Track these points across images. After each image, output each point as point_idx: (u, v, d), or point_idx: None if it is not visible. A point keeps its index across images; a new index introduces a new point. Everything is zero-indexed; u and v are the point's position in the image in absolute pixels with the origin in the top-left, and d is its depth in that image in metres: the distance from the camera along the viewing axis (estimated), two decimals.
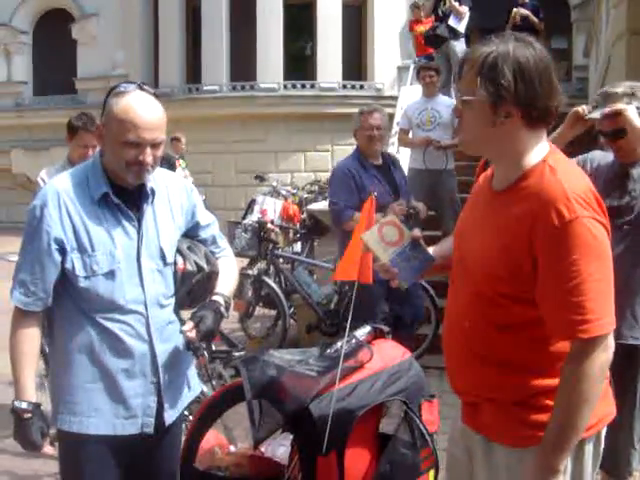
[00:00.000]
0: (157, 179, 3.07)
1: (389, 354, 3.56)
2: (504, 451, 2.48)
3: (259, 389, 3.31)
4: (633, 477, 4.31)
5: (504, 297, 2.38)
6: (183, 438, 3.59)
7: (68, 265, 2.89)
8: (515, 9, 12.98)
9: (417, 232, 2.80)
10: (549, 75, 2.37)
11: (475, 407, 2.56)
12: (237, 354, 5.23)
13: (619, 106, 3.76)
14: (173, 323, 3.08)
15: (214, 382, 5.22)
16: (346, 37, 18.84)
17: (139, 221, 2.99)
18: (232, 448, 4.17)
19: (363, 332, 3.62)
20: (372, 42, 18.99)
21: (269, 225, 8.66)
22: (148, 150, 2.86)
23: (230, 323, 8.41)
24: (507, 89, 2.32)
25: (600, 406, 2.44)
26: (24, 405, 2.88)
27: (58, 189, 2.92)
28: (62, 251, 2.88)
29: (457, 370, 2.62)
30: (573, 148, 4.05)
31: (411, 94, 12.46)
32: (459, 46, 12.10)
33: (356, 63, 19.32)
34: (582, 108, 3.85)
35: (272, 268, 8.76)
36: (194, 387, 3.31)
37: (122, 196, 2.96)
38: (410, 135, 9.47)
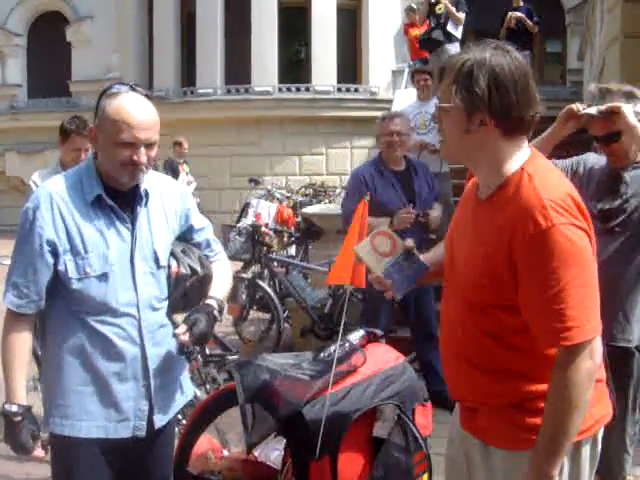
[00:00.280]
0: (151, 182, 3.07)
1: (382, 358, 3.57)
2: (501, 454, 2.47)
3: (252, 393, 3.32)
4: None
5: (490, 305, 2.39)
6: (176, 442, 3.59)
7: (61, 267, 2.88)
8: (510, 13, 12.99)
9: (410, 242, 2.79)
10: (525, 84, 2.35)
11: (472, 411, 2.56)
12: (231, 358, 5.22)
13: (616, 104, 3.76)
14: (166, 326, 3.06)
15: (208, 386, 5.21)
16: (341, 40, 18.84)
17: (133, 223, 2.98)
18: (225, 452, 4.17)
19: (356, 336, 3.63)
20: (367, 45, 19.00)
21: (263, 228, 8.65)
22: (142, 150, 2.86)
23: (224, 327, 8.40)
24: (481, 98, 2.30)
25: (596, 408, 2.46)
26: (14, 408, 2.87)
27: (51, 191, 2.92)
28: (55, 253, 2.87)
29: (453, 376, 2.62)
30: (568, 151, 4.07)
31: (406, 97, 12.47)
32: (454, 50, 12.09)
33: (351, 66, 19.33)
34: (576, 106, 3.84)
35: (266, 272, 8.75)
36: (187, 391, 3.28)
37: (116, 198, 2.95)
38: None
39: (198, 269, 3.14)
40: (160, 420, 3.07)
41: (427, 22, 12.32)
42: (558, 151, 3.86)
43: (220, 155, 17.96)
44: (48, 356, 3.03)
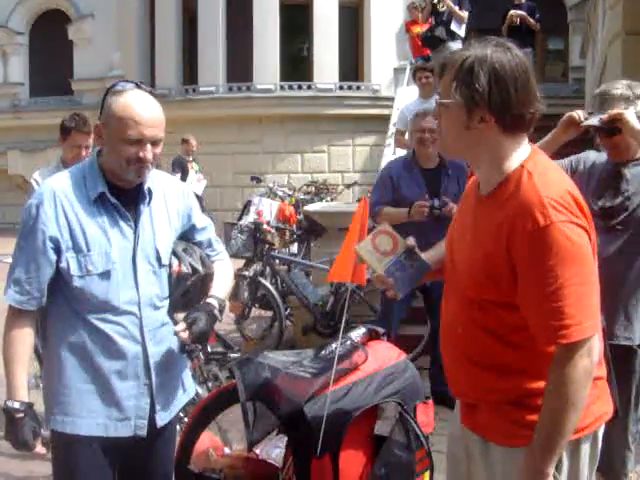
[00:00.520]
0: (154, 180, 3.07)
1: (384, 355, 3.56)
2: (500, 451, 2.47)
3: (253, 391, 3.31)
4: (628, 479, 4.30)
5: (490, 303, 2.39)
6: (178, 440, 3.59)
7: (63, 264, 2.87)
8: (512, 11, 12.98)
9: (412, 241, 2.77)
10: (526, 82, 2.34)
11: (472, 408, 2.56)
12: (233, 356, 5.22)
13: (617, 111, 3.75)
14: (167, 325, 3.06)
15: (210, 384, 5.21)
16: (342, 38, 18.83)
17: (135, 222, 2.97)
18: (227, 450, 4.17)
19: (358, 333, 3.62)
20: (369, 43, 18.98)
21: (265, 226, 8.65)
22: (148, 147, 2.86)
23: (226, 324, 8.40)
24: (481, 94, 2.31)
25: (597, 405, 2.45)
26: (16, 405, 2.86)
27: (54, 188, 2.92)
28: (57, 250, 2.87)
29: (453, 372, 2.62)
30: (568, 149, 4.06)
31: (407, 95, 12.47)
32: (456, 48, 12.10)
33: (353, 64, 19.31)
34: (577, 114, 3.83)
35: (268, 269, 8.74)
36: (189, 389, 3.28)
37: (119, 196, 2.95)
38: (406, 136, 9.46)
39: (199, 268, 3.14)
40: (162, 419, 3.06)
41: (430, 20, 12.32)
42: (559, 149, 3.87)
43: (222, 153, 17.95)
44: (49, 354, 3.03)
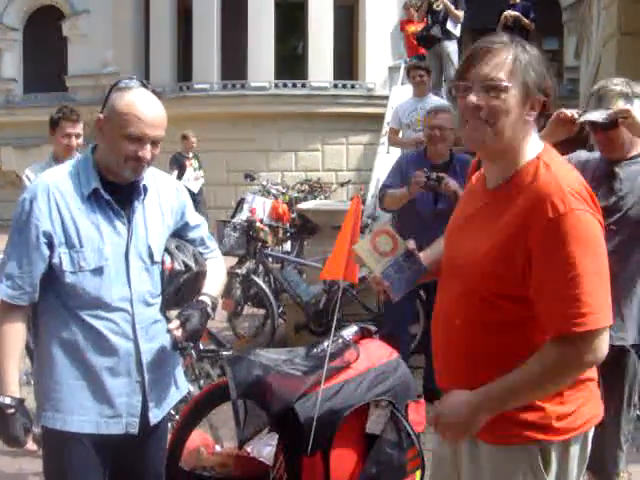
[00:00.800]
0: (148, 177, 3.05)
1: (376, 354, 3.56)
2: (490, 449, 2.44)
3: (244, 389, 3.31)
4: (621, 478, 4.30)
5: (497, 296, 2.34)
6: (169, 437, 3.57)
7: (55, 260, 2.86)
8: (506, 11, 13.00)
9: (412, 244, 2.72)
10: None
11: None
12: (225, 353, 5.21)
13: (624, 107, 3.76)
14: (159, 322, 3.05)
15: (202, 381, 5.20)
16: (337, 36, 18.84)
17: (129, 218, 2.96)
18: (218, 448, 4.16)
19: (350, 332, 3.62)
20: (363, 42, 18.99)
21: (258, 224, 8.63)
22: (148, 147, 2.85)
23: (218, 322, 8.39)
24: (536, 83, 2.31)
25: (587, 407, 2.43)
26: (7, 400, 2.84)
27: (48, 183, 2.90)
28: (50, 245, 2.85)
29: (444, 368, 2.59)
30: (561, 149, 4.05)
31: (402, 94, 12.47)
32: (452, 47, 12.14)
33: (347, 62, 19.32)
34: (569, 111, 3.83)
35: (261, 267, 8.73)
36: (181, 386, 3.27)
37: (113, 192, 2.94)
38: (400, 135, 9.46)
39: (192, 265, 3.13)
40: (155, 416, 3.05)
41: (425, 19, 12.34)
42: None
43: (216, 151, 17.92)
44: (41, 350, 3.01)
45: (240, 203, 10.73)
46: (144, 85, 2.94)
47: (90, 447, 2.94)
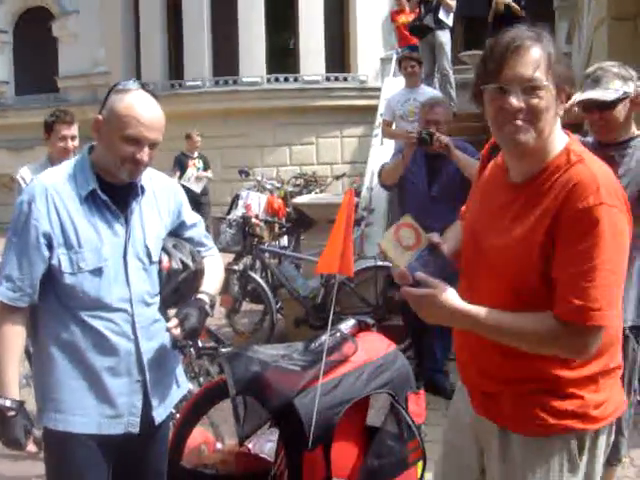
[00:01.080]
0: (144, 178, 3.06)
1: (374, 347, 3.55)
2: (522, 441, 2.45)
3: (243, 385, 3.30)
4: (622, 463, 4.31)
5: (529, 287, 2.33)
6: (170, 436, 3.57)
7: (54, 261, 2.86)
8: None
9: (436, 237, 2.62)
10: None
11: (492, 397, 2.51)
12: (224, 350, 5.19)
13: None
14: (159, 321, 3.05)
15: (201, 379, 5.20)
16: (328, 29, 18.83)
17: (126, 219, 2.97)
18: (219, 445, 4.16)
19: (347, 325, 3.61)
20: (354, 34, 18.98)
21: (253, 220, 8.62)
22: (146, 149, 2.86)
23: (217, 319, 8.39)
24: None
25: (617, 395, 2.47)
26: (8, 403, 2.84)
27: (46, 184, 2.90)
28: (49, 246, 2.86)
29: (474, 361, 2.56)
30: None
31: (394, 86, 12.45)
32: (444, 36, 12.14)
33: (339, 55, 19.31)
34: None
35: (258, 263, 8.73)
36: (182, 384, 3.28)
37: (110, 193, 2.94)
38: (394, 126, 9.46)
39: (190, 264, 3.13)
40: (158, 415, 3.06)
41: (417, 9, 12.33)
42: None
43: (210, 147, 17.83)
44: (40, 351, 3.01)
45: (235, 199, 10.70)
46: (144, 87, 2.95)
47: (92, 447, 2.95)
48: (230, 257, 8.51)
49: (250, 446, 3.90)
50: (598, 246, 2.18)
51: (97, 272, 2.88)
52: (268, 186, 13.15)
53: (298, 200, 10.41)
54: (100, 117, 2.91)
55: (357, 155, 17.95)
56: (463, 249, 2.65)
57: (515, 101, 2.27)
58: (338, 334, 3.51)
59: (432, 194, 6.32)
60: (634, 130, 4.13)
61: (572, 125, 3.97)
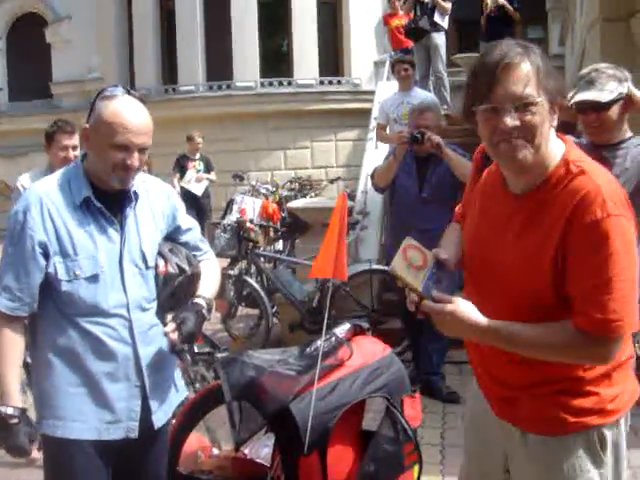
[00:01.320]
0: (138, 182, 3.07)
1: (369, 351, 3.56)
2: (545, 441, 2.49)
3: (238, 390, 3.30)
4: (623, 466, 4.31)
5: (541, 296, 2.35)
6: None
7: (50, 269, 2.87)
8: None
9: (442, 253, 2.61)
10: None
11: (510, 401, 2.55)
12: (220, 355, 5.19)
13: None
14: (156, 326, 3.06)
15: (197, 384, 5.19)
16: (322, 33, 18.83)
17: (121, 225, 2.98)
18: (215, 451, 4.15)
19: (343, 329, 3.61)
20: (348, 37, 18.99)
21: (248, 224, 8.62)
22: (136, 154, 2.87)
23: (213, 324, 8.38)
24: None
25: (630, 385, 2.52)
26: (10, 410, 2.84)
27: (40, 193, 2.92)
28: (46, 255, 2.86)
29: (488, 371, 2.61)
30: None
31: (388, 89, 12.47)
32: (439, 39, 12.18)
33: (333, 59, 19.31)
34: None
35: (253, 267, 8.73)
36: (181, 389, 3.29)
37: (104, 200, 2.95)
38: (388, 130, 9.47)
39: (186, 268, 3.14)
40: (157, 419, 3.07)
41: (411, 12, 12.37)
42: None
43: (204, 152, 17.89)
44: (39, 357, 3.02)
45: (229, 204, 10.70)
46: (129, 92, 2.95)
47: (91, 453, 2.95)
48: (225, 262, 8.51)
49: (246, 451, 3.90)
50: (611, 259, 2.21)
51: (93, 279, 2.89)
52: (262, 190, 13.13)
53: (293, 204, 10.42)
54: (87, 126, 2.92)
55: (352, 159, 17.94)
56: (467, 261, 2.66)
57: (509, 120, 2.28)
58: (333, 338, 3.51)
59: (423, 196, 6.40)
60: (627, 131, 4.15)
61: (565, 123, 4.00)
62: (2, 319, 2.89)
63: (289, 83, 18.65)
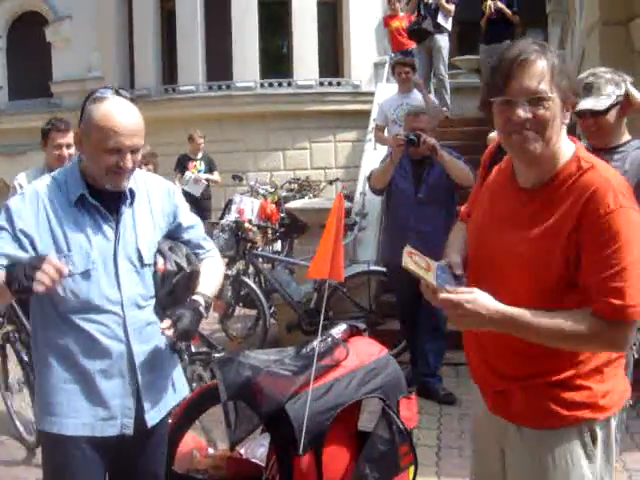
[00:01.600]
0: (138, 180, 3.09)
1: (365, 351, 3.56)
2: (539, 435, 2.55)
3: (234, 390, 3.30)
4: (613, 467, 4.31)
5: (546, 290, 2.42)
6: None
7: None
8: (489, 2, 12.97)
9: (453, 259, 2.72)
10: None
11: (505, 396, 2.60)
12: (217, 355, 5.20)
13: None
14: (153, 324, 3.06)
15: (194, 384, 5.20)
16: (322, 34, 18.80)
17: (117, 222, 2.99)
18: (210, 450, 4.16)
19: (339, 330, 3.62)
20: (348, 38, 18.95)
21: (246, 225, 8.64)
22: (128, 156, 2.88)
23: (210, 324, 8.40)
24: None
25: (621, 383, 2.59)
26: None
27: (38, 190, 2.95)
28: (32, 246, 2.86)
29: (485, 361, 2.65)
30: None
31: (388, 91, 12.48)
32: (443, 41, 12.19)
33: (332, 60, 19.28)
34: None
35: (251, 268, 8.74)
36: (180, 389, 3.28)
37: (100, 198, 2.97)
38: (386, 131, 9.49)
39: (184, 266, 3.14)
40: (152, 418, 3.07)
41: (414, 13, 12.39)
42: None
43: (206, 152, 17.93)
44: (39, 356, 3.05)
45: (228, 204, 10.70)
46: (118, 93, 2.95)
47: (88, 449, 2.97)
48: (223, 262, 8.51)
49: (242, 451, 3.91)
50: (625, 248, 2.31)
51: (86, 275, 2.91)
52: (261, 191, 13.13)
53: (291, 205, 10.43)
54: (79, 130, 2.94)
55: (350, 160, 17.92)
56: (472, 255, 2.72)
57: (522, 112, 2.39)
58: (329, 339, 3.52)
59: (419, 197, 6.51)
60: (626, 134, 4.16)
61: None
62: None
63: (289, 84, 18.63)
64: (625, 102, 4.05)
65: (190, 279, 3.16)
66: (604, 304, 2.32)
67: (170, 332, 2.94)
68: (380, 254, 8.23)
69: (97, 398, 2.96)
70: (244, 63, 18.37)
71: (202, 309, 3.08)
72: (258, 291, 8.27)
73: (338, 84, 18.82)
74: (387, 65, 14.21)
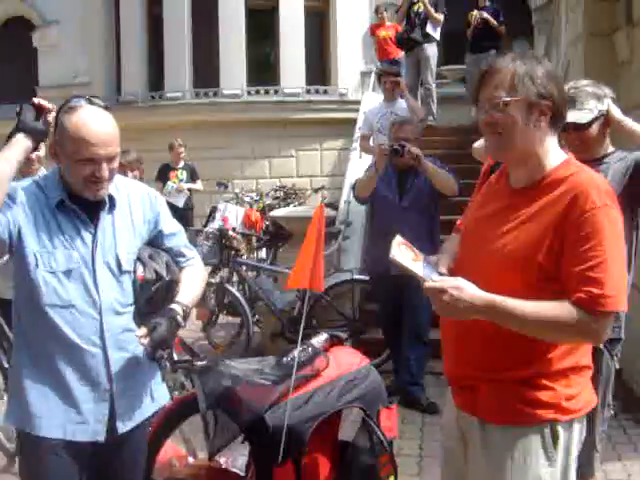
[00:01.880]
0: (119, 186, 3.08)
1: (346, 361, 3.56)
2: (502, 431, 2.60)
3: (213, 399, 3.29)
4: (594, 478, 4.31)
5: (525, 284, 2.51)
6: None
7: (30, 259, 2.88)
8: (475, 12, 13.04)
9: (431, 258, 2.81)
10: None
11: (471, 390, 2.66)
12: (199, 363, 5.16)
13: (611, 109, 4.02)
14: (132, 331, 3.03)
15: (176, 392, 5.17)
16: (309, 42, 18.82)
17: (95, 227, 2.98)
18: (190, 459, 4.14)
19: (319, 340, 3.61)
20: (335, 47, 18.99)
21: (230, 232, 8.63)
22: (104, 165, 2.87)
23: (194, 332, 8.38)
24: (542, 93, 2.54)
25: (586, 393, 2.66)
26: None
27: (23, 189, 2.95)
28: (18, 236, 2.87)
29: (456, 354, 2.71)
30: None
31: (374, 99, 12.51)
32: (431, 50, 12.25)
33: (319, 68, 19.30)
34: None
35: (235, 276, 8.72)
36: (158, 398, 3.26)
37: (80, 203, 2.96)
38: (372, 140, 9.50)
39: (164, 274, 3.13)
40: (123, 426, 3.04)
41: (402, 23, 12.44)
42: None
43: (190, 159, 17.88)
44: (16, 355, 3.04)
45: (212, 212, 10.67)
46: (91, 102, 2.94)
47: (62, 455, 2.95)
48: (207, 270, 8.50)
49: (221, 460, 3.89)
50: (604, 243, 2.44)
51: (67, 274, 2.91)
52: (247, 199, 13.10)
53: (275, 213, 10.42)
54: (53, 141, 2.95)
55: (336, 168, 17.93)
56: (460, 254, 2.80)
57: (483, 117, 2.62)
58: (310, 349, 3.51)
59: (403, 205, 6.57)
60: (609, 146, 4.17)
61: None
62: None
63: (275, 92, 18.63)
64: (607, 118, 4.06)
65: (169, 288, 3.15)
66: (584, 293, 2.41)
67: (145, 340, 2.91)
68: (363, 262, 8.24)
69: (70, 401, 2.95)
70: (231, 70, 18.36)
71: (179, 318, 3.05)
72: (242, 299, 8.26)
73: (325, 92, 18.83)
74: (373, 74, 14.25)
